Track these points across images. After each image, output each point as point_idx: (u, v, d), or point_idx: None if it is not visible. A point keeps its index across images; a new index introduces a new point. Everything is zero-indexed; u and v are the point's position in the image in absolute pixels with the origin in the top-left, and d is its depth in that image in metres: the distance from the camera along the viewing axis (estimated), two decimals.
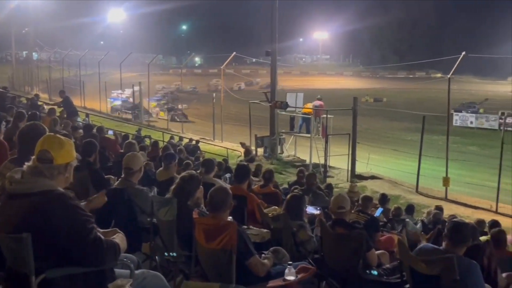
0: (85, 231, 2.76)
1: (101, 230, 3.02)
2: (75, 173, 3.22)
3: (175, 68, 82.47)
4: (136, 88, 34.68)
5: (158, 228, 4.82)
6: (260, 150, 21.64)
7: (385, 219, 9.22)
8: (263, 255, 4.21)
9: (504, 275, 5.36)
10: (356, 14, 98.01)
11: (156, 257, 4.76)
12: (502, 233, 6.69)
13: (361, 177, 18.51)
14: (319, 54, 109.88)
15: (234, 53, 30.75)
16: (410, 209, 10.93)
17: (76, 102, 23.29)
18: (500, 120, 38.21)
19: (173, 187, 4.83)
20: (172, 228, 4.60)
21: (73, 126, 11.43)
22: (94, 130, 10.86)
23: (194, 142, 20.87)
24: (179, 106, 43.73)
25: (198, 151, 17.67)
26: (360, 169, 18.98)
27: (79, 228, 2.75)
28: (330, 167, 19.41)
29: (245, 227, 5.04)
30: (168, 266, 4.83)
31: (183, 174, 4.99)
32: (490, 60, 57.17)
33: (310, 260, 4.95)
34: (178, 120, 36.42)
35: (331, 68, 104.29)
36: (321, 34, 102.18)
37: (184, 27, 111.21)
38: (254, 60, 64.72)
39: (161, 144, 15.26)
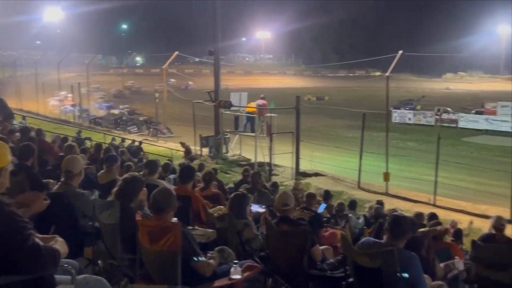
0: (22, 238, 2.65)
1: (40, 236, 2.92)
2: (12, 178, 3.09)
3: (115, 68, 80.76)
4: (61, 92, 33.53)
5: (101, 232, 4.72)
6: (205, 150, 21.57)
7: (328, 215, 9.39)
8: (208, 255, 4.20)
9: (441, 265, 5.59)
10: (297, 14, 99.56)
11: (99, 261, 4.65)
12: (439, 225, 6.97)
13: (305, 175, 18.77)
14: (262, 54, 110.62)
15: (177, 52, 30.44)
16: (353, 204, 11.16)
17: (12, 104, 22.36)
18: (436, 116, 39.78)
19: (115, 189, 4.73)
20: (115, 231, 4.51)
21: (9, 129, 10.97)
22: (33, 133, 10.47)
23: (137, 143, 20.53)
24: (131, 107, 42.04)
25: (141, 153, 17.39)
26: (304, 166, 19.25)
27: (15, 235, 2.64)
28: (275, 165, 19.57)
29: (190, 227, 5.01)
30: (112, 270, 4.73)
31: (125, 176, 4.90)
32: (426, 59, 59.34)
33: (256, 258, 4.98)
34: (163, 136, 31.17)
35: (274, 67, 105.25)
36: (263, 34, 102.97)
37: (124, 26, 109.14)
38: (197, 59, 64.31)
39: (103, 146, 14.89)
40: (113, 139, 20.59)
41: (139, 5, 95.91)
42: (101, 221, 4.66)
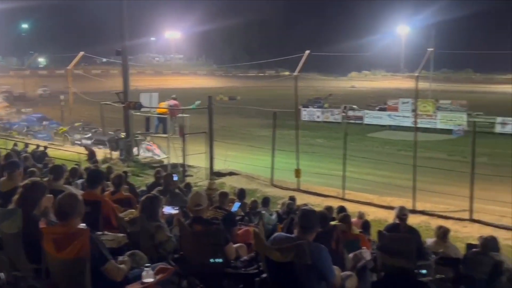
0: None
1: None
2: None
3: (16, 69, 76.42)
4: None
5: (2, 242, 4.46)
6: (116, 153, 20.98)
7: (243, 213, 9.47)
8: (119, 259, 4.09)
9: (350, 255, 5.82)
10: (207, 14, 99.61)
11: (2, 273, 4.39)
12: (348, 217, 7.26)
13: (220, 174, 18.80)
14: (172, 54, 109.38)
15: (82, 52, 29.26)
16: (266, 201, 11.31)
17: None
18: (343, 114, 41.39)
19: (15, 197, 4.49)
20: (17, 240, 4.28)
21: None
22: None
23: (41, 149, 19.53)
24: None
25: (46, 158, 16.56)
26: (218, 166, 19.28)
27: None
28: (189, 166, 19.44)
29: (100, 233, 4.86)
30: (16, 282, 4.48)
31: (25, 182, 4.67)
32: (332, 58, 61.49)
33: (170, 260, 4.93)
34: (157, 157, 21.60)
35: (185, 67, 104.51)
36: (173, 34, 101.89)
37: (25, 25, 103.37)
38: (104, 60, 62.33)
39: (4, 152, 14.02)
40: (15, 145, 19.48)
41: (42, 4, 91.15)
42: (2, 231, 4.41)
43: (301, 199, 14.15)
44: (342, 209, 9.22)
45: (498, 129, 34.64)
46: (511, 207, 14.59)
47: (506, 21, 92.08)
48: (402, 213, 7.04)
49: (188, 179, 17.06)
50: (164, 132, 20.48)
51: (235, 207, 8.71)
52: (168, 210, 6.46)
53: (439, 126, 37.22)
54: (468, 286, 6.12)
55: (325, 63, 66.69)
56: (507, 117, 35.49)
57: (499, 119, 35.32)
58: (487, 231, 11.33)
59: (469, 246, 7.09)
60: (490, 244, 6.48)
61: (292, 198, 11.89)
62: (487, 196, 14.85)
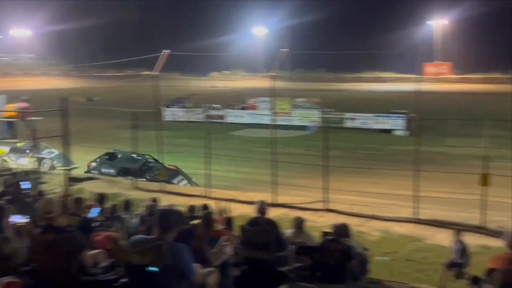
0: None
1: None
2: None
3: None
4: None
5: None
6: None
7: (103, 218, 9.11)
8: None
9: (212, 252, 5.88)
10: (60, 13, 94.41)
11: None
12: (210, 215, 7.32)
13: (78, 180, 17.96)
14: (21, 53, 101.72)
15: None
16: (127, 205, 11.03)
17: None
18: (205, 113, 41.72)
19: None
20: None
21: None
22: None
23: None
24: None
25: None
26: (78, 170, 18.38)
27: None
28: (43, 172, 18.28)
29: None
30: None
31: None
32: (191, 58, 61.42)
33: (20, 274, 4.59)
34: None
35: (37, 67, 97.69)
36: (22, 32, 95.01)
37: None
38: None
39: None
40: None
41: None
42: None
43: (166, 201, 14.00)
44: (205, 207, 9.31)
45: (348, 124, 37.30)
46: (362, 196, 15.91)
47: (354, 23, 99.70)
48: (262, 207, 7.27)
49: (43, 187, 16.02)
50: (14, 137, 19.07)
51: (93, 212, 8.36)
52: (17, 219, 6.00)
53: (296, 123, 39.10)
54: (324, 272, 6.52)
55: (186, 63, 66.66)
56: (356, 113, 38.42)
57: (348, 115, 38.07)
58: (341, 219, 12.16)
59: (324, 234, 7.54)
60: (341, 231, 6.96)
61: (155, 200, 11.71)
62: (342, 186, 15.95)
